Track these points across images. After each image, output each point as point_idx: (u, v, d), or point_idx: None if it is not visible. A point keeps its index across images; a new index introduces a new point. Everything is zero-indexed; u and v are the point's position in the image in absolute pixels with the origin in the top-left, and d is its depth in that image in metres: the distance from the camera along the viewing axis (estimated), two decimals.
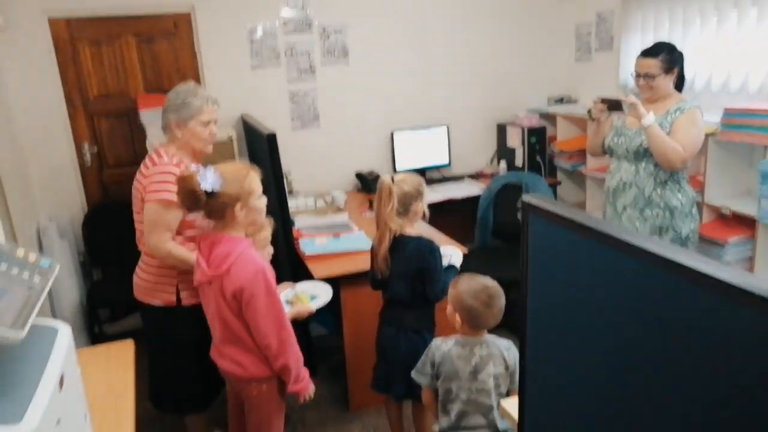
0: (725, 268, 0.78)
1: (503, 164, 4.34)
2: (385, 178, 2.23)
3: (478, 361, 1.95)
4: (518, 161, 4.23)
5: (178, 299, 2.31)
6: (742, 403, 0.76)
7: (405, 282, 2.26)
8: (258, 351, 1.97)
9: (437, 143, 4.25)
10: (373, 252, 2.33)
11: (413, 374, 2.10)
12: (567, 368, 1.20)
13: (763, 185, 2.69)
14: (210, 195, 1.85)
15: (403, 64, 4.13)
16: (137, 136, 3.69)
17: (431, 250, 2.21)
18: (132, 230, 2.36)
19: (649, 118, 2.54)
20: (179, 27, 3.64)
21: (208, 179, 1.84)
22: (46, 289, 1.09)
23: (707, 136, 2.92)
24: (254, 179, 1.94)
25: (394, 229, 2.21)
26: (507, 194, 3.77)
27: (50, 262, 1.22)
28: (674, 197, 2.64)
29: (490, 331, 2.02)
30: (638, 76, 2.68)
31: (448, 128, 4.25)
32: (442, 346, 2.02)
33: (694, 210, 2.71)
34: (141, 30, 3.58)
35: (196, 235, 2.27)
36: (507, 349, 1.97)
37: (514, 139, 4.26)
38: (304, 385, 2.04)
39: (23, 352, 1.03)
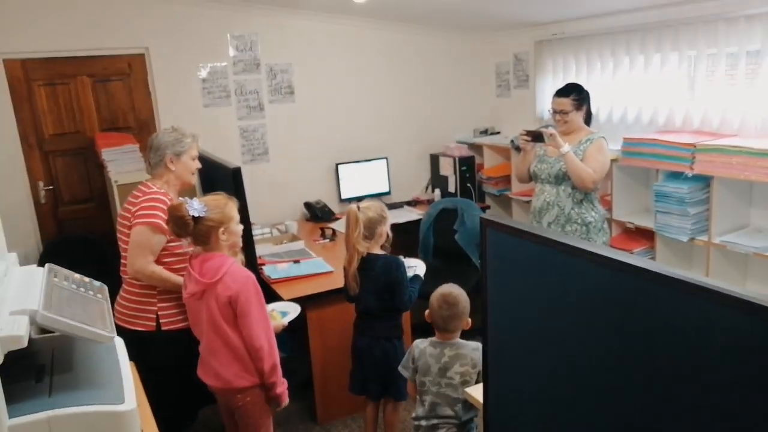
0: (647, 261, 1.13)
1: (437, 191, 4.76)
2: (352, 206, 2.54)
3: (447, 360, 2.25)
4: (451, 188, 4.66)
5: (158, 324, 2.48)
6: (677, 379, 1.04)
7: (375, 295, 2.55)
8: (243, 359, 2.17)
9: (378, 173, 4.62)
10: (345, 272, 2.61)
11: (400, 368, 2.39)
12: (523, 356, 1.50)
13: (658, 202, 3.24)
14: (197, 221, 2.09)
15: (345, 101, 4.49)
16: (93, 173, 3.80)
17: (397, 264, 2.53)
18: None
19: (566, 146, 3.02)
20: (133, 67, 3.82)
21: (195, 207, 2.09)
22: (109, 301, 1.32)
23: (612, 161, 3.46)
24: (233, 207, 2.21)
25: (361, 251, 2.51)
26: (444, 218, 4.17)
27: (99, 283, 1.44)
28: (589, 214, 3.12)
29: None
30: (555, 112, 3.18)
31: (387, 160, 4.63)
32: (420, 344, 2.34)
33: (605, 225, 3.20)
34: (96, 71, 3.73)
35: (173, 261, 2.47)
36: (475, 349, 2.25)
37: (446, 168, 4.69)
38: (285, 387, 2.27)
39: (98, 350, 1.25)
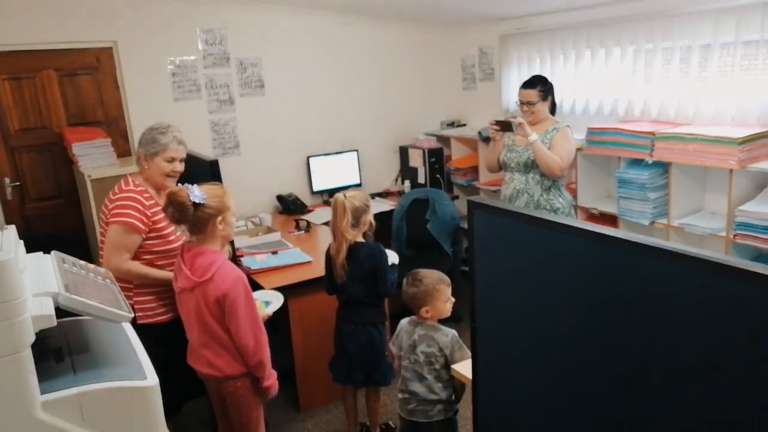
0: (626, 233, 1.23)
1: (407, 183, 4.86)
2: (339, 195, 2.60)
3: (416, 338, 2.38)
4: (420, 179, 4.76)
5: (134, 318, 2.48)
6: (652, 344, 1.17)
7: (360, 283, 2.62)
8: (232, 351, 2.21)
9: (349, 166, 4.68)
10: (330, 261, 2.67)
11: (390, 344, 2.51)
12: (510, 327, 1.61)
13: (620, 188, 3.41)
14: (196, 208, 2.11)
15: (315, 95, 4.53)
16: (60, 169, 3.74)
17: (380, 252, 2.62)
18: None
19: (534, 135, 3.16)
20: (102, 61, 3.76)
21: (196, 193, 2.11)
22: (117, 285, 1.35)
23: (576, 150, 3.62)
24: (230, 198, 2.23)
25: (350, 239, 2.58)
26: (416, 208, 4.26)
27: (104, 269, 1.47)
28: (557, 200, 3.27)
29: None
30: (522, 103, 3.31)
31: (358, 152, 4.70)
32: (402, 322, 2.48)
33: (572, 211, 3.36)
34: (62, 64, 3.66)
35: (153, 258, 2.47)
36: (445, 335, 2.36)
37: (416, 160, 4.79)
38: (274, 381, 2.30)
39: (109, 332, 1.28)
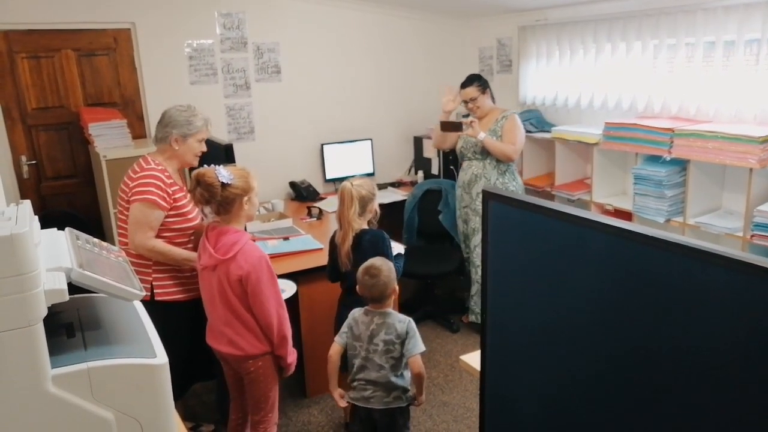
0: (646, 228, 1.22)
1: (420, 173, 4.84)
2: (346, 184, 2.60)
3: (375, 327, 2.37)
4: (434, 170, 4.74)
5: (152, 294, 2.51)
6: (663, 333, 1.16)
7: None
8: (255, 330, 2.25)
9: (363, 154, 4.67)
10: (334, 249, 2.66)
11: (337, 337, 2.48)
12: (521, 321, 1.59)
13: (637, 185, 3.37)
14: (224, 188, 2.13)
15: (331, 82, 4.51)
16: (77, 148, 3.76)
17: (383, 238, 2.63)
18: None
19: (482, 134, 3.51)
20: (119, 42, 3.77)
21: (224, 173, 2.13)
22: (129, 263, 1.36)
23: (593, 145, 3.60)
24: (254, 178, 2.27)
25: (356, 228, 2.58)
26: (428, 199, 4.25)
27: (116, 247, 1.47)
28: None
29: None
30: (466, 102, 3.66)
31: (372, 141, 4.68)
32: (355, 313, 2.46)
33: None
34: (81, 44, 3.68)
35: (172, 236, 2.49)
36: (401, 322, 2.38)
37: (430, 150, 4.76)
38: (295, 357, 2.37)
39: (120, 309, 1.29)
